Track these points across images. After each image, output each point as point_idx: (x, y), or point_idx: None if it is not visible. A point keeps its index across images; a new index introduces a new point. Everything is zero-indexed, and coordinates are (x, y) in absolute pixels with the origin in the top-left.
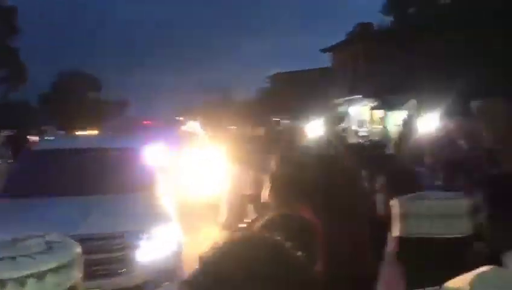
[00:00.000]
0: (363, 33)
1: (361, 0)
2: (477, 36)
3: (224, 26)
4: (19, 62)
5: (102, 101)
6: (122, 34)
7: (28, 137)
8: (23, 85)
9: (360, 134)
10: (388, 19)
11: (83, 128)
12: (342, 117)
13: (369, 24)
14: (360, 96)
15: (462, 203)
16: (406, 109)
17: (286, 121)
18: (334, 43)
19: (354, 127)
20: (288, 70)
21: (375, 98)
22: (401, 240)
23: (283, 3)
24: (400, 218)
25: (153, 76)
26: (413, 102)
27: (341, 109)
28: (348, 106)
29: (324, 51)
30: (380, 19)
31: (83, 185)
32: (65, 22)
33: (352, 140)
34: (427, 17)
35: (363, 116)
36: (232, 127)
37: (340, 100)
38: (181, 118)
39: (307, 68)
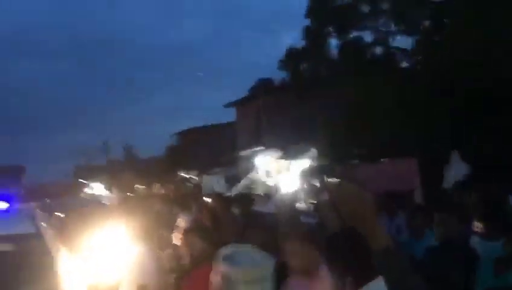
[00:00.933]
0: (263, 88)
1: (260, 57)
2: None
3: (126, 81)
4: None
5: None
6: (14, 94)
7: None
8: None
9: (268, 183)
10: (284, 74)
11: None
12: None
13: (269, 79)
14: (263, 147)
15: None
16: (307, 158)
17: (195, 178)
18: (237, 98)
19: (262, 178)
20: (194, 126)
21: (278, 149)
22: None
23: (184, 59)
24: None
25: (51, 137)
26: (313, 151)
27: (248, 160)
28: (254, 157)
29: (227, 106)
30: (278, 75)
31: None
32: None
33: (261, 190)
34: (318, 71)
35: (268, 167)
36: (139, 187)
37: (247, 152)
38: (83, 181)
39: (212, 123)
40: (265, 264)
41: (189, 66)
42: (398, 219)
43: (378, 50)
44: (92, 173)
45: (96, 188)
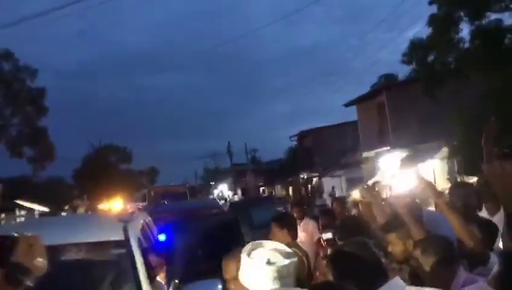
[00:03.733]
0: (386, 84)
1: (380, 53)
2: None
3: (246, 91)
4: (47, 141)
5: (134, 171)
6: (149, 108)
7: (61, 213)
8: (51, 163)
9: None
10: (408, 69)
11: (109, 199)
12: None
13: (392, 75)
14: (388, 148)
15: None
16: (438, 158)
17: (315, 179)
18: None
19: (386, 180)
20: (313, 127)
21: (405, 149)
22: None
23: (302, 63)
24: None
25: (180, 144)
26: (444, 150)
27: (371, 162)
28: (379, 158)
29: (347, 105)
30: (401, 70)
31: None
32: (93, 100)
33: (386, 194)
34: (448, 62)
35: (394, 169)
36: (261, 187)
37: (370, 153)
38: (212, 183)
39: (332, 124)
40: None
41: (310, 70)
42: None
43: None
44: (219, 175)
45: (223, 189)
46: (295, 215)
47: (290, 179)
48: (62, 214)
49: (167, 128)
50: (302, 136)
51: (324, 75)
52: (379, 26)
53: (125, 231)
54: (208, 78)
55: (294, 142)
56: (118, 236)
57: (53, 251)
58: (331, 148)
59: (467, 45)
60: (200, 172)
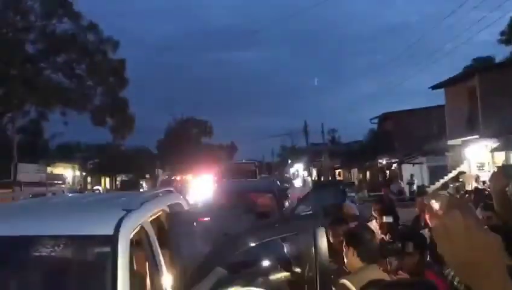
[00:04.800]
0: (479, 66)
1: (475, 34)
2: None
3: (329, 69)
4: (126, 112)
5: (214, 145)
6: (230, 83)
7: (140, 181)
8: (130, 134)
9: (481, 179)
10: (507, 51)
11: (188, 171)
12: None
13: (488, 58)
14: (477, 136)
15: None
16: None
17: (394, 165)
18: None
19: (473, 172)
20: (396, 110)
21: (496, 139)
22: None
23: (389, 42)
24: None
25: (260, 120)
26: None
27: (458, 150)
28: (466, 147)
29: (435, 87)
30: (498, 52)
31: None
32: (177, 73)
33: (471, 186)
34: None
35: (482, 159)
36: (337, 170)
37: (457, 141)
38: (289, 161)
39: (416, 107)
40: None
41: (397, 50)
42: None
43: None
44: (296, 154)
45: (299, 169)
46: (374, 213)
47: (368, 164)
48: (140, 182)
49: (248, 104)
50: (383, 118)
51: (412, 55)
52: (476, 5)
53: (118, 224)
54: (291, 55)
55: (375, 125)
56: (106, 230)
57: (23, 243)
58: (414, 133)
59: None
60: (278, 149)
